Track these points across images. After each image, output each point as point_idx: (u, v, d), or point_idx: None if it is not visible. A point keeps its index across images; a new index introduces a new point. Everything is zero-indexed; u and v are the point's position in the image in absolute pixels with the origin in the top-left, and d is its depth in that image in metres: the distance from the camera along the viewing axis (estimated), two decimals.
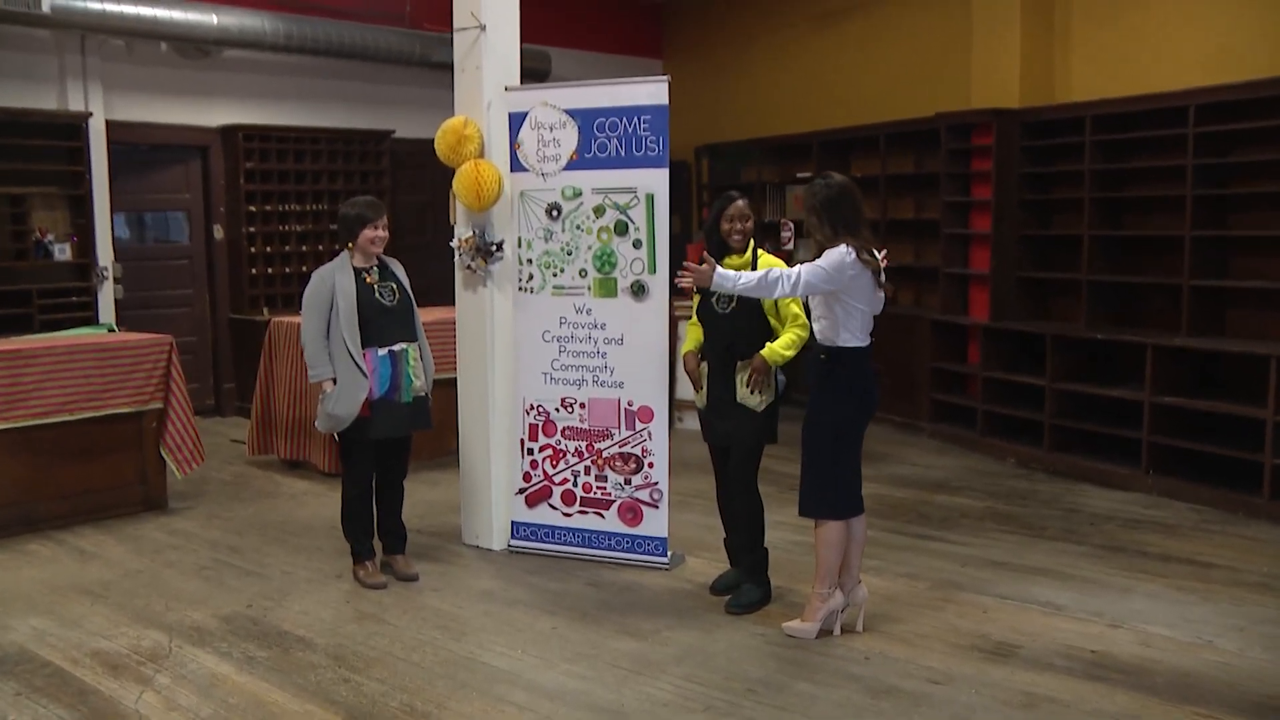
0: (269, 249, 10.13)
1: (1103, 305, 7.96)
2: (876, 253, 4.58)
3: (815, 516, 4.75)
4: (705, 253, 4.85)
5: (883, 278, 4.64)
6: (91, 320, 8.84)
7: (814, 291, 4.55)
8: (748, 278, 4.62)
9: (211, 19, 9.12)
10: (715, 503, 5.43)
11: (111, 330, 7.54)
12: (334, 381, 5.25)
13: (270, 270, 10.11)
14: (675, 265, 4.99)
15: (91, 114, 9.06)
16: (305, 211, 10.22)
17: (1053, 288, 8.52)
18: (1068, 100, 8.34)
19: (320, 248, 10.28)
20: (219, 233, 10.15)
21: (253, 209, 10.00)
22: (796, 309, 5.06)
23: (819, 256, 4.61)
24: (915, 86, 9.73)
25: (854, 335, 4.61)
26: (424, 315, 7.31)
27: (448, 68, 6.00)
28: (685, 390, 8.20)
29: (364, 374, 5.22)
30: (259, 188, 10.03)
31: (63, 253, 8.97)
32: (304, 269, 9.74)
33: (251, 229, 10.01)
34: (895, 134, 9.61)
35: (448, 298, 6.14)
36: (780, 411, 5.20)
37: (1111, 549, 6.01)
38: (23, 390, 6.28)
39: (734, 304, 5.08)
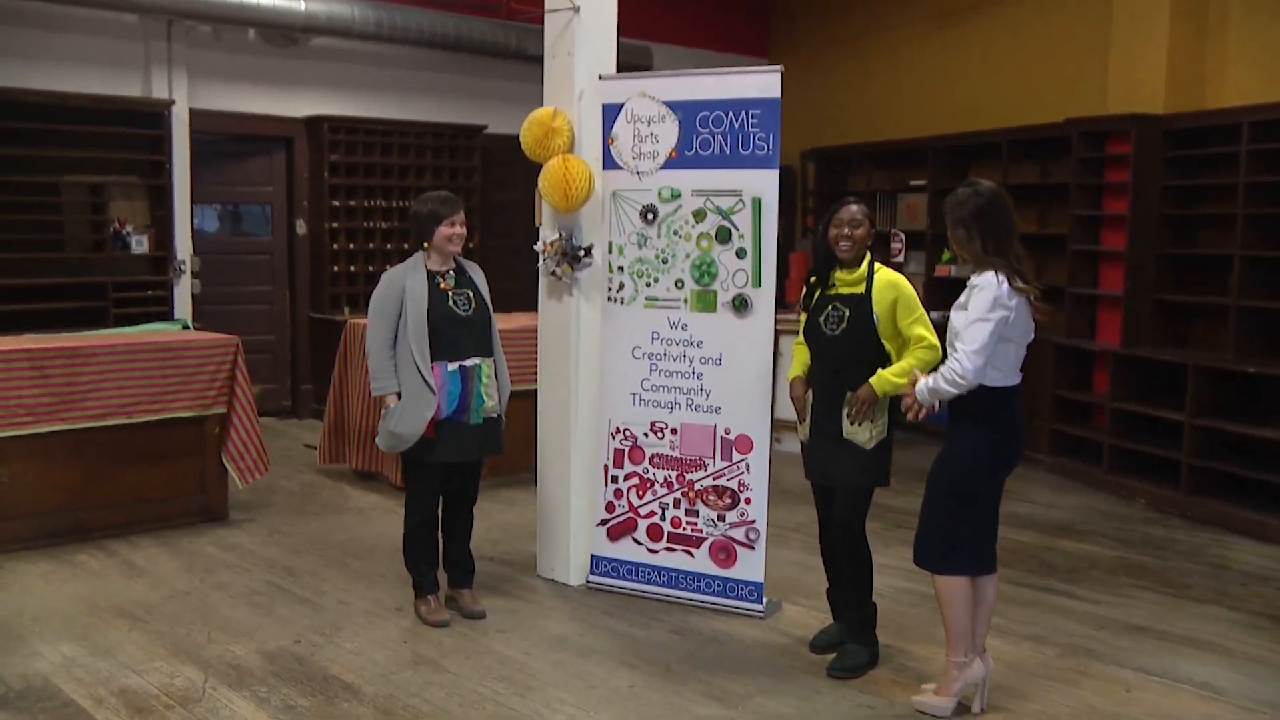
0: (352, 246, 9.70)
1: (1253, 334, 7.13)
2: (1029, 275, 3.92)
3: (934, 570, 4.08)
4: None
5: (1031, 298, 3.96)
6: (167, 315, 8.45)
7: (987, 352, 3.86)
8: (931, 384, 3.97)
9: (299, 5, 8.70)
10: (817, 541, 4.77)
11: (186, 327, 7.14)
12: (398, 396, 4.71)
13: (353, 268, 9.68)
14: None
15: (174, 102, 8.70)
16: (391, 208, 9.76)
17: (1194, 312, 7.69)
18: (1219, 105, 7.51)
19: (405, 246, 9.75)
20: (301, 228, 9.75)
21: (336, 204, 9.58)
22: (923, 330, 4.42)
23: (959, 281, 3.95)
24: (1043, 90, 8.96)
25: (1002, 373, 3.94)
26: (507, 322, 6.79)
27: (543, 60, 5.42)
28: (785, 409, 7.59)
29: (431, 390, 4.67)
30: (344, 181, 9.60)
31: (140, 245, 8.61)
32: (388, 268, 9.27)
33: (335, 225, 9.58)
34: (1019, 141, 8.85)
35: (535, 304, 5.57)
36: (893, 447, 4.55)
37: (1274, 618, 5.23)
38: (79, 391, 5.87)
39: (844, 324, 4.45)
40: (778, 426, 7.55)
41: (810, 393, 4.58)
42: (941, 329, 4.11)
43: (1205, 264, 7.47)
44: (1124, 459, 7.60)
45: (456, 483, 4.97)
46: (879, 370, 4.37)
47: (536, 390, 5.58)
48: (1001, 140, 8.94)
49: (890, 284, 4.47)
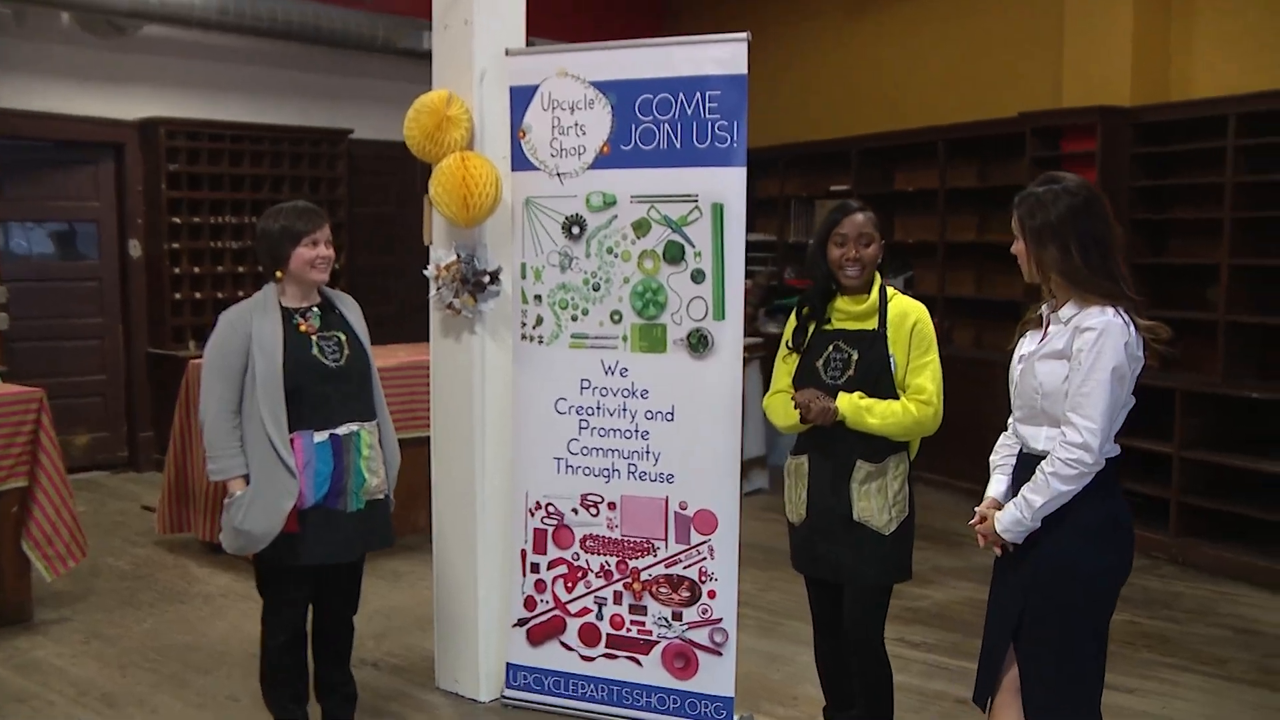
0: (197, 270, 8.26)
1: (1244, 353, 6.26)
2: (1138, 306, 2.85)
3: None
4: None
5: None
6: None
7: (1114, 424, 2.80)
8: (1036, 492, 2.82)
9: None
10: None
11: None
12: (245, 481, 3.43)
13: (198, 295, 8.24)
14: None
15: None
16: (242, 225, 8.32)
17: (1173, 329, 6.78)
18: (1187, 96, 6.65)
19: (260, 269, 8.42)
20: (136, 249, 8.25)
21: (177, 221, 8.13)
22: (928, 382, 3.38)
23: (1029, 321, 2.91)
24: (983, 83, 8.02)
25: (1112, 441, 2.85)
26: (385, 358, 5.53)
27: (419, 56, 4.22)
28: (752, 446, 6.47)
29: (291, 472, 3.40)
30: (186, 195, 8.18)
31: None
32: (240, 295, 7.83)
33: (175, 245, 8.14)
34: (959, 140, 7.90)
35: (419, 331, 4.33)
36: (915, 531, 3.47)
37: None
38: None
39: (851, 370, 3.35)
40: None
41: (801, 462, 3.47)
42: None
43: (1184, 275, 6.60)
44: None
45: (331, 590, 3.70)
46: (856, 396, 3.31)
47: (429, 438, 4.35)
48: (938, 139, 7.99)
49: (908, 313, 3.41)
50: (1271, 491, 5.90)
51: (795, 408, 3.34)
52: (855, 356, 3.38)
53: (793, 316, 3.57)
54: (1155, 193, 6.75)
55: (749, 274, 9.87)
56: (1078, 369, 2.75)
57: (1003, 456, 3.07)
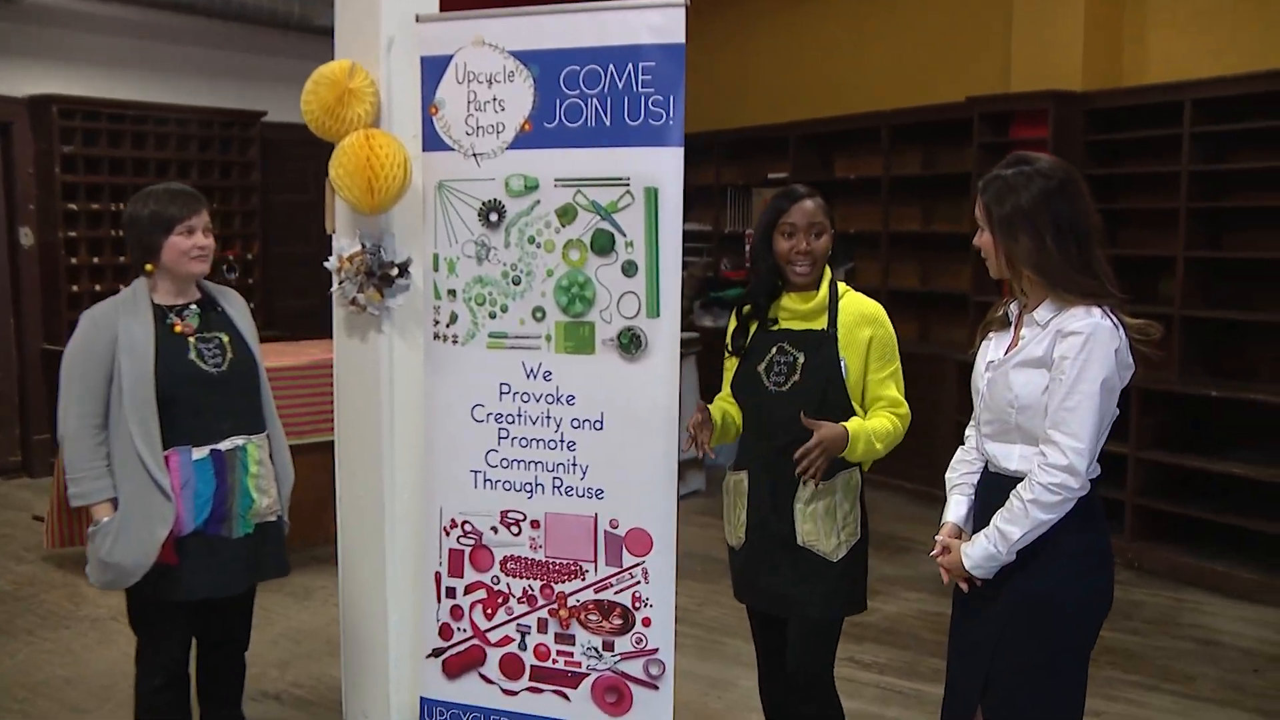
0: (96, 260, 7.77)
1: (1200, 350, 6.01)
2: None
3: None
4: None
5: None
6: None
7: (1100, 441, 2.46)
8: (1012, 522, 2.46)
9: None
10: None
11: None
12: (113, 506, 2.99)
13: (98, 287, 7.70)
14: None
15: None
16: None
17: None
18: (1141, 81, 6.39)
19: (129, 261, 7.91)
20: (27, 238, 7.69)
21: (74, 208, 7.62)
22: (894, 391, 3.07)
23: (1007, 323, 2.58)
24: (928, 67, 7.72)
25: (1094, 459, 2.52)
26: (297, 355, 5.13)
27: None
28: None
29: (166, 494, 2.97)
30: (83, 179, 7.66)
31: None
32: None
33: (72, 234, 7.63)
34: (903, 125, 7.59)
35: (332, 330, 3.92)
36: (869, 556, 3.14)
37: None
38: None
39: (797, 375, 3.00)
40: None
41: (740, 478, 3.11)
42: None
43: (1137, 267, 6.33)
44: None
45: (217, 626, 3.28)
46: (856, 419, 2.95)
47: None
48: (881, 125, 7.67)
49: (864, 316, 3.06)
50: (1228, 493, 5.67)
51: (799, 476, 2.95)
52: (801, 360, 3.02)
53: (733, 315, 3.21)
54: (1108, 181, 6.49)
55: (684, 265, 9.62)
56: (1061, 380, 2.41)
57: (961, 475, 2.72)
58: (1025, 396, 2.47)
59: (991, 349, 2.64)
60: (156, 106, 7.97)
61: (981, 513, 2.59)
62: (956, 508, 2.70)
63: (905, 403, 3.07)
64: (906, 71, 7.85)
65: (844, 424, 2.93)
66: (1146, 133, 6.19)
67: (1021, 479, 2.46)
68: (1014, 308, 2.62)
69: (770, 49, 8.96)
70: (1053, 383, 2.42)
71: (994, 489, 2.56)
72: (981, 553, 2.49)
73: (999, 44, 7.07)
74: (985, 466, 2.65)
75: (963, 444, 2.77)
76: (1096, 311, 2.42)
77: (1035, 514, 2.41)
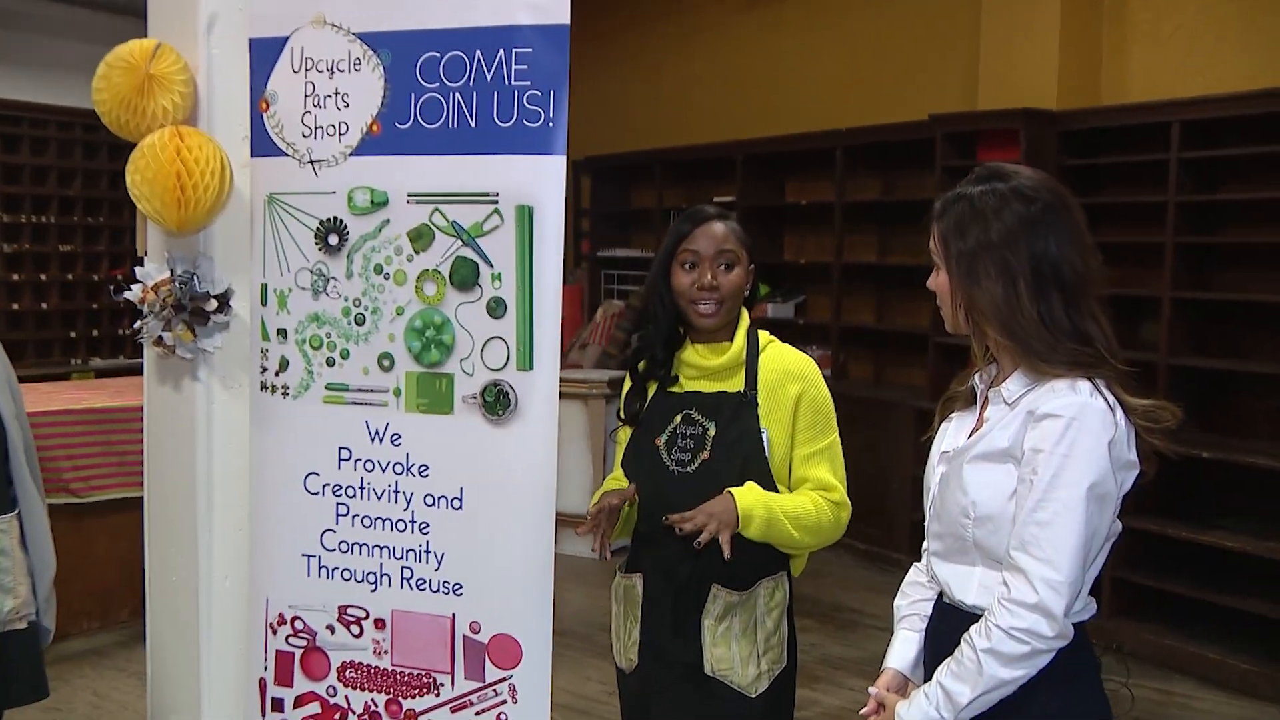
0: None
1: (1188, 403, 5.38)
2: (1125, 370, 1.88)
3: None
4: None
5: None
6: None
7: (1088, 569, 1.85)
8: (961, 679, 1.82)
9: None
10: None
11: None
12: None
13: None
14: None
15: None
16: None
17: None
18: (1122, 100, 5.82)
19: (70, 277, 7.20)
20: None
21: None
22: (829, 473, 2.44)
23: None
24: (887, 81, 7.14)
25: (1084, 597, 1.88)
26: (116, 395, 4.45)
27: (127, 12, 3.11)
28: (567, 499, 5.49)
29: None
30: None
31: None
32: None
33: None
34: (859, 146, 7.00)
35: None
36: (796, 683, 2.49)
37: None
38: None
39: (704, 452, 2.35)
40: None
41: (632, 583, 2.46)
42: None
43: (1118, 308, 5.72)
44: None
45: None
46: (752, 485, 2.30)
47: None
48: (835, 146, 7.08)
49: (791, 372, 2.43)
50: (1220, 568, 5.07)
51: (665, 521, 2.29)
52: (712, 432, 2.38)
53: (628, 374, 2.56)
54: (1086, 212, 5.89)
55: (622, 295, 8.99)
56: (1032, 482, 1.77)
57: (912, 603, 2.09)
58: (985, 502, 1.83)
59: (950, 434, 2.01)
60: (33, 107, 7.25)
61: (933, 659, 1.94)
62: (902, 648, 2.06)
63: (842, 488, 2.43)
64: (863, 87, 7.28)
65: (732, 489, 2.29)
66: (1129, 157, 5.63)
67: (981, 616, 1.83)
68: (982, 378, 1.99)
69: (719, 62, 8.38)
70: (1021, 485, 1.79)
71: (948, 627, 1.92)
72: (920, 717, 1.84)
73: (964, 57, 6.50)
74: (940, 595, 2.00)
75: (920, 559, 2.13)
76: (1084, 387, 1.80)
77: (993, 670, 1.77)
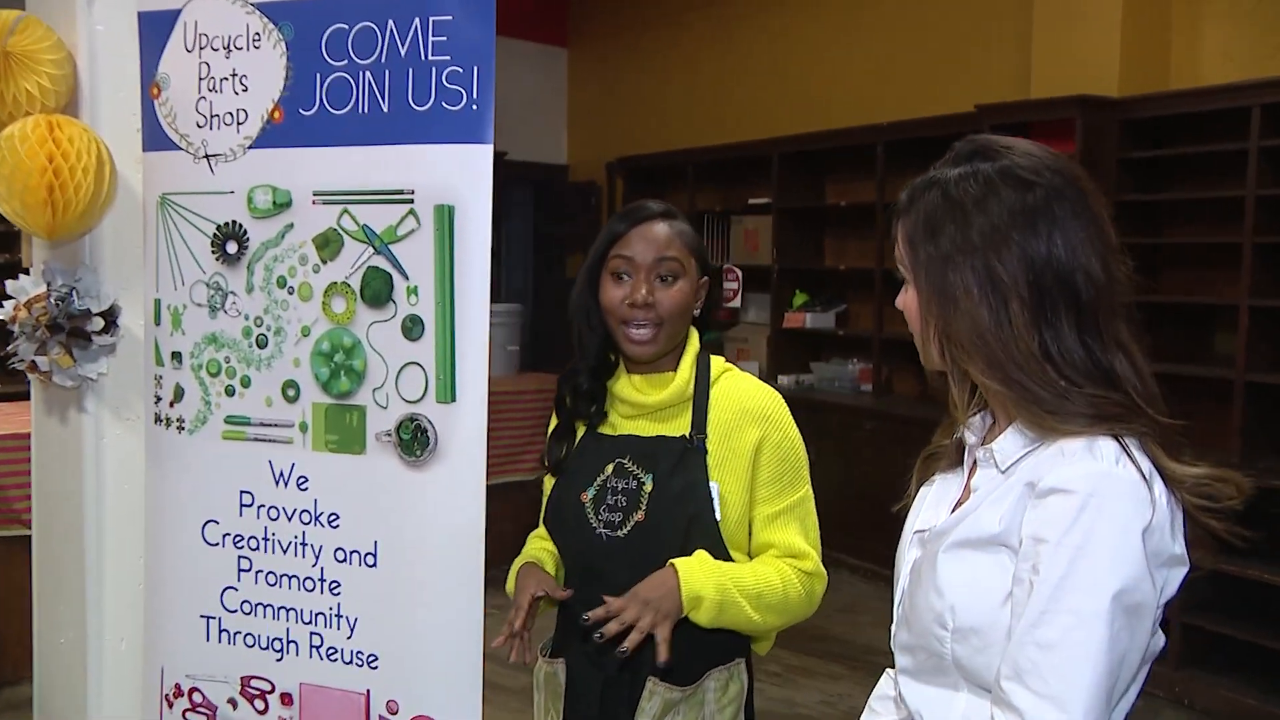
0: None
1: (1268, 426, 4.89)
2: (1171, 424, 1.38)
3: None
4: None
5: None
6: None
7: (1111, 697, 1.30)
8: None
9: None
10: None
11: None
12: None
13: None
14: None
15: None
16: None
17: (1182, 388, 5.42)
18: (1198, 84, 5.29)
19: None
20: None
21: None
22: (795, 535, 2.00)
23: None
24: (932, 70, 6.66)
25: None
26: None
27: None
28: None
29: None
30: None
31: None
32: None
33: None
34: (902, 141, 6.52)
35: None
36: None
37: None
38: None
39: (639, 512, 1.93)
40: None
41: (555, 668, 2.04)
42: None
43: (1186, 318, 5.22)
44: None
45: None
46: (701, 554, 1.88)
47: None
48: (876, 141, 6.60)
49: (750, 411, 2.01)
50: None
51: (584, 622, 1.87)
52: (648, 487, 1.95)
53: (554, 411, 2.14)
54: (1150, 210, 5.39)
55: (717, 299, 8.59)
56: (1034, 585, 1.31)
57: None
58: (968, 608, 1.37)
59: (928, 505, 1.56)
60: None
61: None
62: None
63: (815, 554, 1.99)
64: (905, 77, 6.80)
65: (676, 561, 1.86)
66: (1201, 147, 5.09)
67: None
68: (974, 430, 1.53)
69: (752, 54, 7.94)
70: (1018, 586, 1.33)
71: None
72: None
73: (1015, 41, 6.01)
74: None
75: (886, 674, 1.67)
76: (1108, 449, 1.32)
77: None
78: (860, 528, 5.47)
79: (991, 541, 1.36)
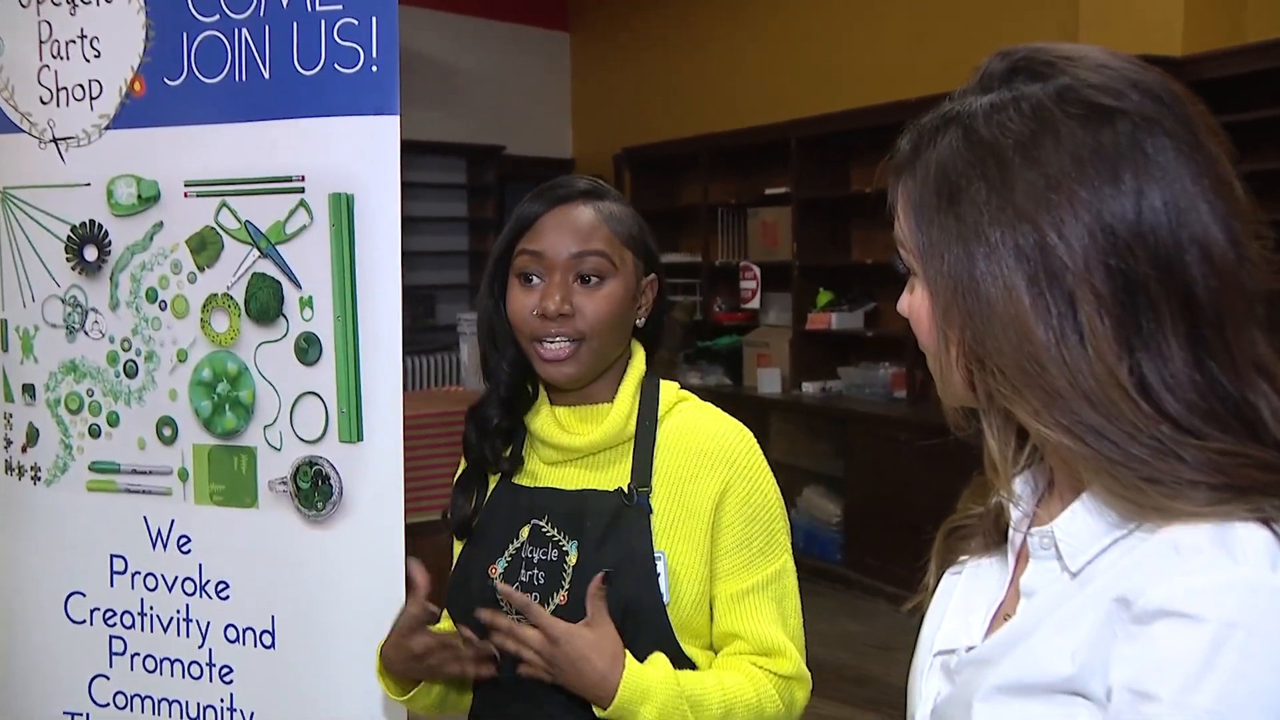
0: None
1: None
2: None
3: None
4: None
5: None
6: None
7: None
8: None
9: None
10: None
11: None
12: None
13: None
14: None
15: None
16: None
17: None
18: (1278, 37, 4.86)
19: None
20: None
21: None
22: (772, 626, 1.53)
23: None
24: (965, 38, 6.24)
25: None
26: None
27: None
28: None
29: None
30: None
31: None
32: None
33: None
34: None
35: None
36: None
37: None
38: None
39: (561, 589, 1.55)
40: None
41: None
42: None
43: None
44: None
45: None
46: (661, 663, 1.47)
47: None
48: (906, 120, 6.12)
49: (710, 454, 1.57)
50: None
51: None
52: (573, 558, 1.51)
53: (463, 454, 1.70)
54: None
55: (668, 305, 8.25)
56: None
57: None
58: None
59: (955, 611, 1.09)
60: None
61: None
62: None
63: (795, 648, 1.53)
64: (934, 48, 6.39)
65: (630, 662, 1.44)
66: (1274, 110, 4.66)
67: None
68: (1021, 498, 1.06)
69: (766, 29, 7.56)
70: None
71: None
72: None
73: (1062, 0, 5.58)
74: None
75: None
76: (1255, 542, 0.83)
77: None
78: (895, 551, 5.07)
79: (1059, 689, 0.89)
